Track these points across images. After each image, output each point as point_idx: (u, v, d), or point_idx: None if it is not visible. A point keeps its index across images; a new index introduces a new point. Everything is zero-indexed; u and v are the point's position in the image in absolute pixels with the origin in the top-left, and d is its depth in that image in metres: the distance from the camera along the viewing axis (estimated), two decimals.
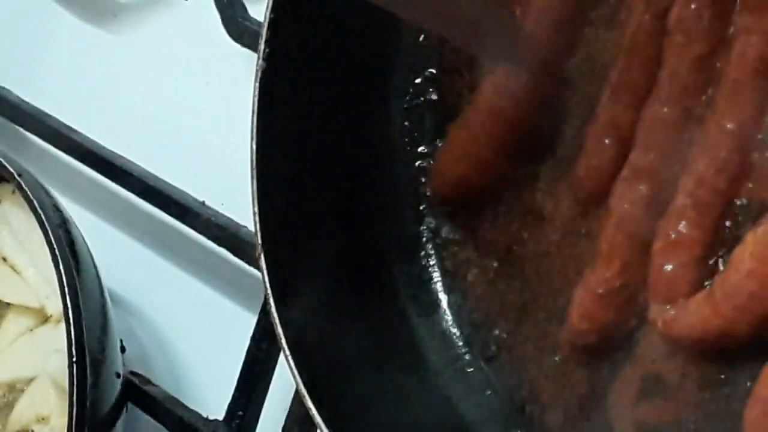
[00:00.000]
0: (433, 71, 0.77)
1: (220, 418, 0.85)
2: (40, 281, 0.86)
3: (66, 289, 0.78)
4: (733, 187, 0.65)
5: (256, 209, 0.72)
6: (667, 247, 0.66)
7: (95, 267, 0.84)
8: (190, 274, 0.93)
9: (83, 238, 0.84)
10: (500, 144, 0.73)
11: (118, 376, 0.85)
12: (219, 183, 0.89)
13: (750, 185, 0.65)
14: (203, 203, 0.89)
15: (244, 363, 0.84)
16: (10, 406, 0.85)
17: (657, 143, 0.67)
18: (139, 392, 0.88)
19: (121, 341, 0.86)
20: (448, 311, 0.76)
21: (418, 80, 0.77)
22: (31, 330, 0.86)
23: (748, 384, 0.63)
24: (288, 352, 0.69)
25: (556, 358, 0.71)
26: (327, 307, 0.73)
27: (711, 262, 0.66)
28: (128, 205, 0.95)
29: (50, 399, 0.83)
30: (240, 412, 0.84)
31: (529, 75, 0.71)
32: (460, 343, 0.75)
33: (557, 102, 0.71)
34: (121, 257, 0.94)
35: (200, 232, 0.88)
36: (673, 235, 0.66)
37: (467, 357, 0.75)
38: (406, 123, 0.78)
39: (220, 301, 0.91)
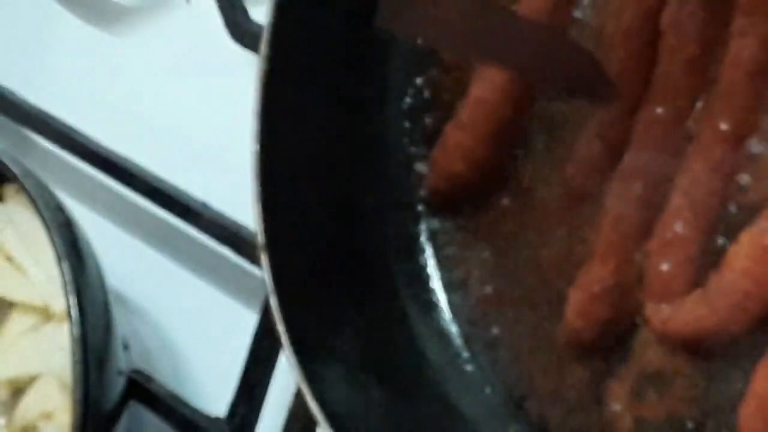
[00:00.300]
0: (433, 71, 0.77)
1: (222, 415, 0.85)
2: (44, 280, 0.86)
3: (70, 288, 0.79)
4: (728, 187, 0.66)
5: (258, 209, 0.72)
6: (662, 246, 0.67)
7: (98, 266, 0.84)
8: (193, 273, 0.94)
9: (86, 238, 0.85)
10: (496, 142, 0.73)
11: (121, 373, 0.85)
12: (221, 183, 0.89)
13: (745, 185, 0.66)
14: (205, 203, 0.89)
15: (246, 361, 0.84)
16: (15, 403, 0.85)
17: (652, 143, 0.68)
18: (141, 389, 0.88)
19: (124, 339, 0.87)
20: (446, 310, 0.76)
21: (418, 80, 0.78)
22: (36, 328, 0.86)
23: (744, 381, 0.63)
24: (289, 351, 0.70)
25: (554, 356, 0.71)
26: (327, 306, 0.74)
27: (706, 261, 0.66)
28: (131, 205, 0.95)
29: (54, 396, 0.83)
30: (241, 410, 0.84)
31: (522, 74, 0.71)
32: (459, 341, 0.76)
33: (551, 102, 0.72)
34: (124, 256, 0.94)
35: (202, 231, 0.89)
36: (668, 235, 0.66)
37: (466, 355, 0.75)
38: (406, 123, 0.78)
39: (222, 299, 0.92)
